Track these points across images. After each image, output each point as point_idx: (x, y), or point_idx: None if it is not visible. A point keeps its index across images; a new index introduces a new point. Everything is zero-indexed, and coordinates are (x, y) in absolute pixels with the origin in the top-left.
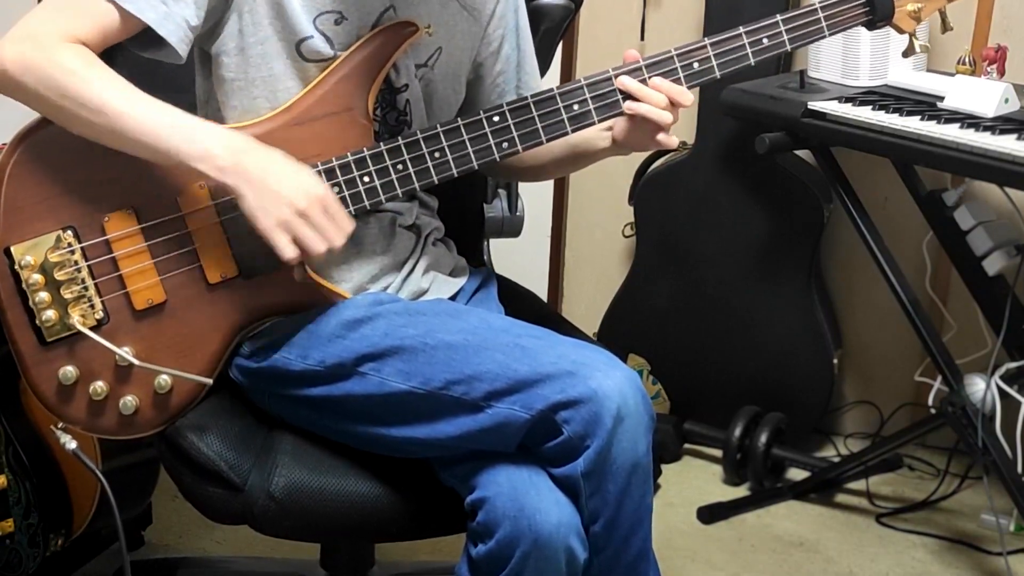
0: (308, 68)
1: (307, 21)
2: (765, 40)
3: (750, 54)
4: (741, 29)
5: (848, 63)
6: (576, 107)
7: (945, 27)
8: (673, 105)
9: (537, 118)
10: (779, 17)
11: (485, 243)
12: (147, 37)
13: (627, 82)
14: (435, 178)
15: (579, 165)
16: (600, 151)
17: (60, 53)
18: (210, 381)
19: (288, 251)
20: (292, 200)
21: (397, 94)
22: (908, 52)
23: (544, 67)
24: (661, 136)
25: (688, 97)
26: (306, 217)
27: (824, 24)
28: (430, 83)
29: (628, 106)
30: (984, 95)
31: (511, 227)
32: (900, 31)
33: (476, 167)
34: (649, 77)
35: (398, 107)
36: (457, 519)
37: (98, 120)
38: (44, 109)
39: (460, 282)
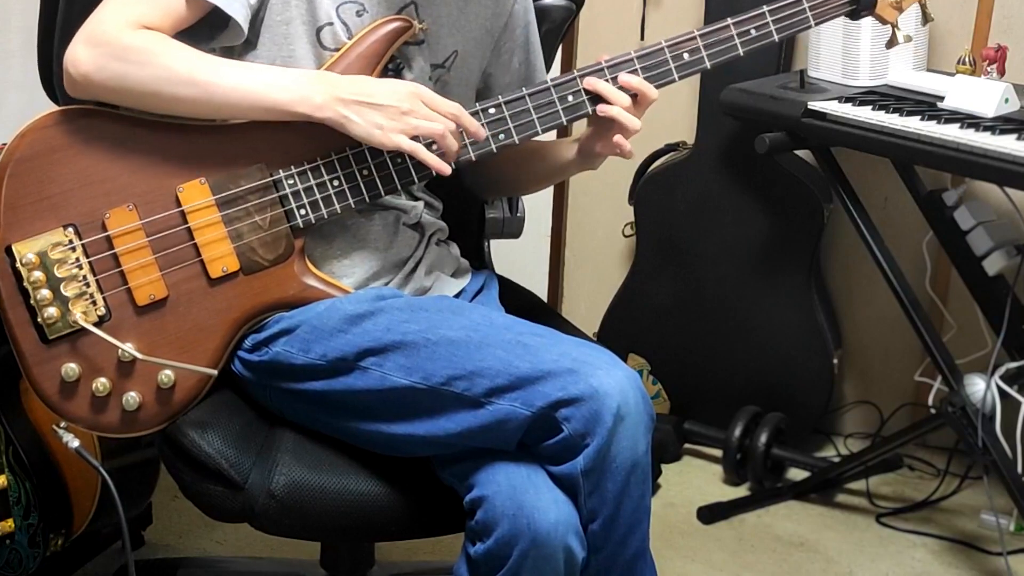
0: (324, 55)
1: (331, 8)
2: (753, 31)
3: (738, 44)
4: (729, 20)
5: (848, 63)
6: (571, 98)
7: (926, 19)
8: (638, 103)
9: (532, 109)
10: (766, 8)
11: (486, 244)
12: (207, 22)
13: (594, 83)
14: (432, 170)
15: (551, 178)
16: (569, 163)
17: (134, 40)
18: (215, 372)
19: (420, 150)
20: (394, 106)
21: None
22: (891, 43)
23: (545, 68)
24: (617, 139)
25: (653, 92)
26: (413, 114)
27: (809, 14)
28: (446, 84)
29: (600, 108)
30: (984, 95)
31: (511, 227)
32: (883, 21)
33: (473, 159)
34: (612, 77)
35: None
36: (457, 518)
37: (191, 93)
38: (138, 99)
39: (462, 283)
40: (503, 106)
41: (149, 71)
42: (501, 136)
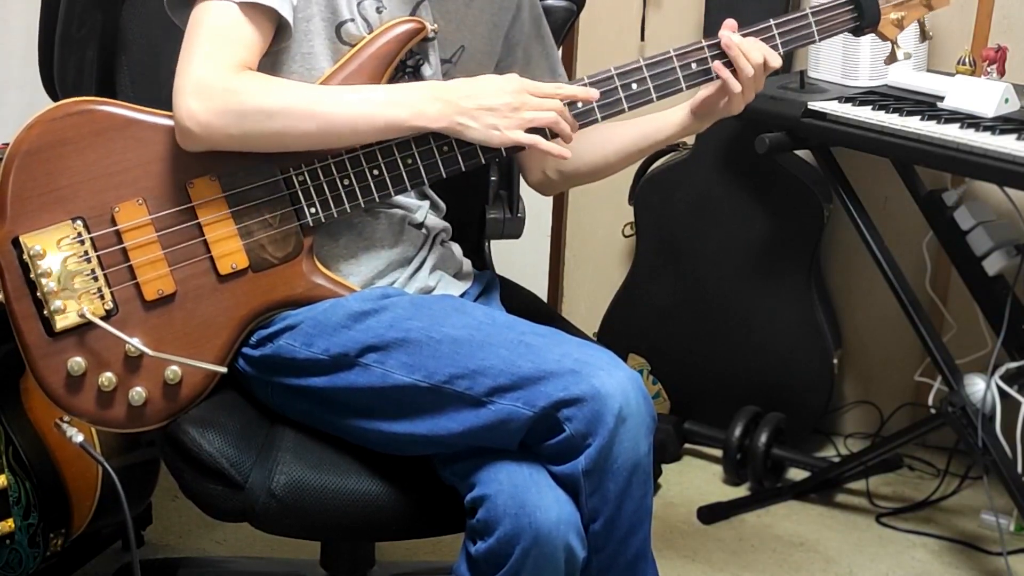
0: (343, 50)
1: (352, 4)
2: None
3: None
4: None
5: (848, 63)
6: (694, 65)
7: (924, 36)
8: (764, 68)
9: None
10: (772, 21)
11: (486, 244)
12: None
13: (729, 39)
14: (443, 172)
15: (644, 152)
16: (670, 127)
17: (243, 84)
18: (224, 369)
19: (537, 140)
20: (504, 103)
21: None
22: (891, 59)
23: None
24: (747, 93)
25: (776, 60)
26: (524, 107)
27: (815, 29)
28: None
29: (716, 66)
30: (984, 95)
31: (512, 228)
32: (883, 38)
33: (483, 162)
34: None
35: None
36: (457, 518)
37: (312, 126)
38: (262, 141)
39: (465, 285)
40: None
41: (267, 112)
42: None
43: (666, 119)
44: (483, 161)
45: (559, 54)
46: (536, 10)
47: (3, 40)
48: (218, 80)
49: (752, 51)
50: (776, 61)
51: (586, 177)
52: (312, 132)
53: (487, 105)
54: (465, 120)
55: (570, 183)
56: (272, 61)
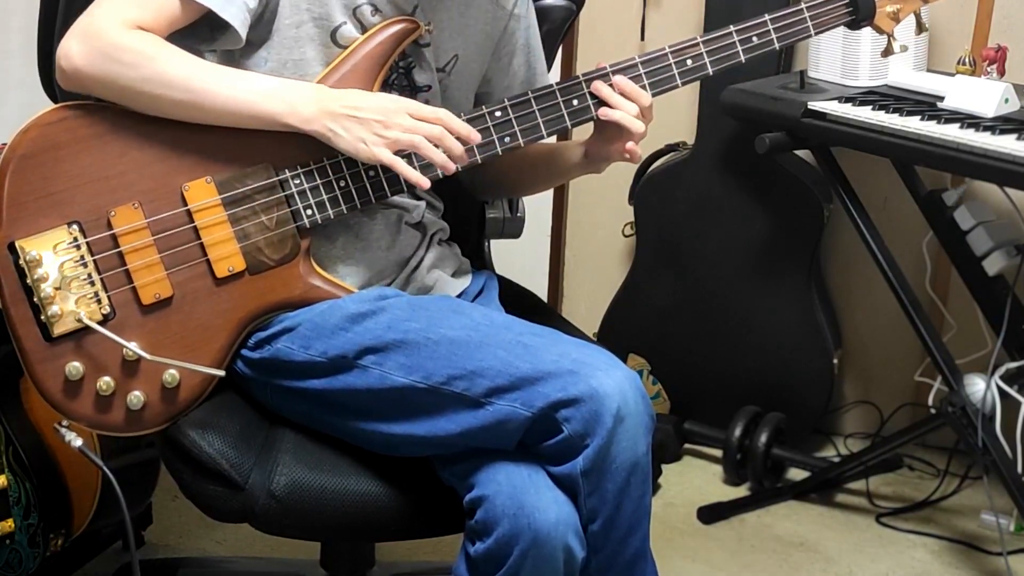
0: (337, 54)
1: (347, 8)
2: (755, 38)
3: (740, 52)
4: (731, 28)
5: (848, 63)
6: (575, 102)
7: (921, 28)
8: (641, 112)
9: (537, 112)
10: (767, 16)
11: (486, 244)
12: (207, 24)
13: (600, 87)
14: (440, 172)
15: (553, 180)
16: (574, 166)
17: (130, 40)
18: (222, 373)
19: (398, 164)
20: (379, 120)
21: (418, 92)
22: (887, 52)
23: (546, 70)
24: (629, 145)
25: (646, 99)
26: (395, 127)
27: (810, 23)
28: (447, 88)
29: (603, 112)
30: (984, 95)
31: (512, 228)
32: (880, 31)
33: (479, 161)
34: (613, 74)
35: None
36: (457, 518)
37: (185, 98)
38: (127, 97)
39: (464, 283)
40: (509, 109)
41: (140, 73)
42: (507, 139)
43: (568, 153)
44: (479, 161)
45: (544, 65)
46: (529, 19)
47: (3, 40)
48: (107, 30)
49: (623, 99)
50: (645, 100)
51: (492, 193)
52: (185, 103)
53: (360, 118)
54: (336, 128)
55: (487, 194)
56: (258, 71)
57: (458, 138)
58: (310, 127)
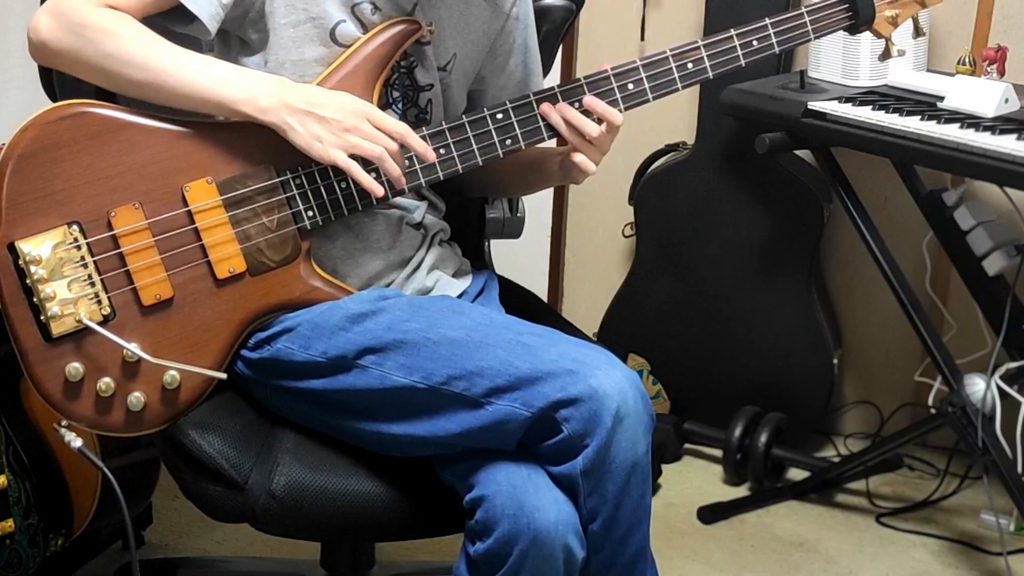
0: (338, 53)
1: (345, 7)
2: (755, 42)
3: (740, 56)
4: (732, 31)
5: (848, 63)
6: (576, 106)
7: (918, 32)
8: (608, 128)
9: (539, 115)
10: (768, 20)
11: (486, 244)
12: (179, 11)
13: (547, 111)
14: (440, 174)
15: (532, 186)
16: (553, 175)
17: (95, 16)
18: (224, 375)
19: (353, 168)
20: (338, 120)
21: (420, 92)
22: (885, 56)
23: (545, 68)
24: (579, 158)
25: (617, 118)
26: (355, 132)
27: (810, 27)
28: (448, 87)
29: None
30: (984, 95)
31: (512, 228)
32: (878, 35)
33: (480, 163)
34: (587, 95)
35: (419, 105)
36: (457, 518)
37: (142, 77)
38: (88, 72)
39: (464, 284)
40: (511, 111)
41: (101, 48)
42: (508, 142)
43: (548, 163)
44: (480, 163)
45: (540, 67)
46: (528, 21)
47: (3, 40)
48: (77, 6)
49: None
50: (616, 120)
51: (491, 194)
52: (142, 82)
53: (319, 115)
54: (292, 121)
55: (473, 191)
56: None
57: (415, 155)
58: (266, 118)
